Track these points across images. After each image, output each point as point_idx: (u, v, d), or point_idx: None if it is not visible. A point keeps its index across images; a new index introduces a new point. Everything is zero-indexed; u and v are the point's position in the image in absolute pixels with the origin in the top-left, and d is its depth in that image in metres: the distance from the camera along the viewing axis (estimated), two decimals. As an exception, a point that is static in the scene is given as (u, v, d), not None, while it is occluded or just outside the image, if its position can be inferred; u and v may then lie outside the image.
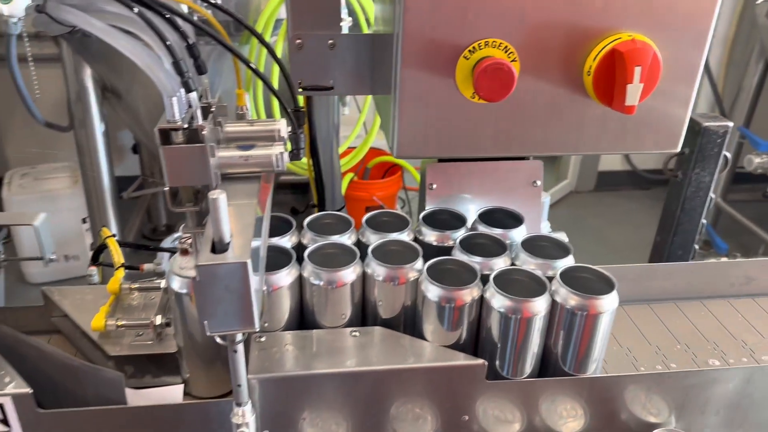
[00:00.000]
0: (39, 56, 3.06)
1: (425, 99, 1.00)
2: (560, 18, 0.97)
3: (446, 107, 1.00)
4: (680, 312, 1.36)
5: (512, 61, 0.97)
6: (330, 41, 1.22)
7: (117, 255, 1.24)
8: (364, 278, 1.07)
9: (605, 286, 1.03)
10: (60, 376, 1.01)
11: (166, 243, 2.77)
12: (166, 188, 0.93)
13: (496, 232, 1.17)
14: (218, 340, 0.88)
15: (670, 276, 1.37)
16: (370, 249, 1.06)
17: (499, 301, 0.97)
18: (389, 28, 1.05)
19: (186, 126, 0.87)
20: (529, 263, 1.07)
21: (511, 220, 1.22)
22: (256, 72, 0.96)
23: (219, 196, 0.77)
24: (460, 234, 1.15)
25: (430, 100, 1.00)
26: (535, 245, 1.12)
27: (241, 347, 0.88)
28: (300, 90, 1.27)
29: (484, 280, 1.01)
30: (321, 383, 1.01)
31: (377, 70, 1.22)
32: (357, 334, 1.05)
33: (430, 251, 1.11)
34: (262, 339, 1.04)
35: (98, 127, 2.73)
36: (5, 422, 0.94)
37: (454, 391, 1.02)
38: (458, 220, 1.20)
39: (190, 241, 1.01)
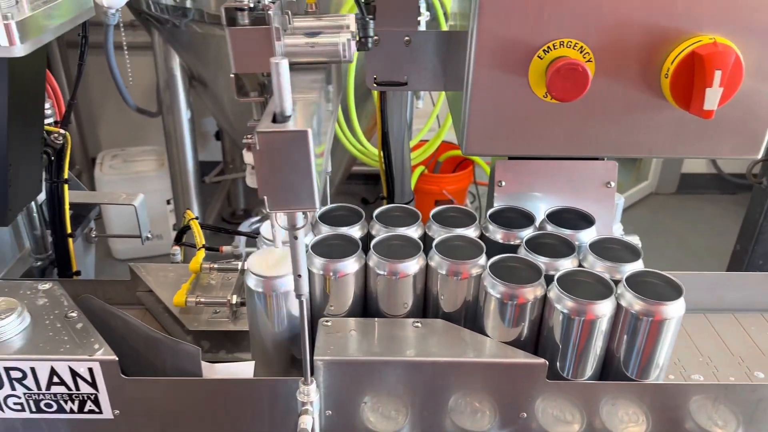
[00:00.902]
0: (131, 44, 3.24)
1: (497, 97, 1.01)
2: (639, 19, 0.95)
3: (518, 106, 1.01)
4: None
5: (587, 61, 0.96)
6: (406, 38, 1.24)
7: (199, 237, 1.32)
8: (427, 271, 1.09)
9: (673, 292, 1.01)
10: (142, 347, 1.09)
11: (244, 227, 2.89)
12: (232, 74, 0.89)
13: (564, 232, 1.16)
14: (278, 224, 0.86)
15: (745, 285, 1.32)
16: (434, 243, 1.08)
17: (562, 302, 0.97)
18: (464, 25, 1.07)
19: (252, 6, 0.84)
20: (597, 266, 1.07)
21: (582, 221, 1.21)
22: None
23: (281, 61, 0.73)
24: (527, 233, 1.15)
25: (502, 99, 1.01)
26: (604, 248, 1.11)
27: (301, 234, 0.86)
28: (374, 85, 1.31)
29: (549, 280, 1.02)
30: (382, 370, 1.04)
31: (451, 67, 1.24)
32: (419, 325, 1.08)
33: (495, 249, 1.12)
34: (329, 323, 1.09)
35: (185, 114, 2.88)
36: (93, 385, 1.03)
37: (514, 388, 1.03)
38: (526, 219, 1.20)
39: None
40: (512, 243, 1.14)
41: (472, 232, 1.15)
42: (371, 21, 0.93)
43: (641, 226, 4.05)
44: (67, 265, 1.45)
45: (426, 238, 1.16)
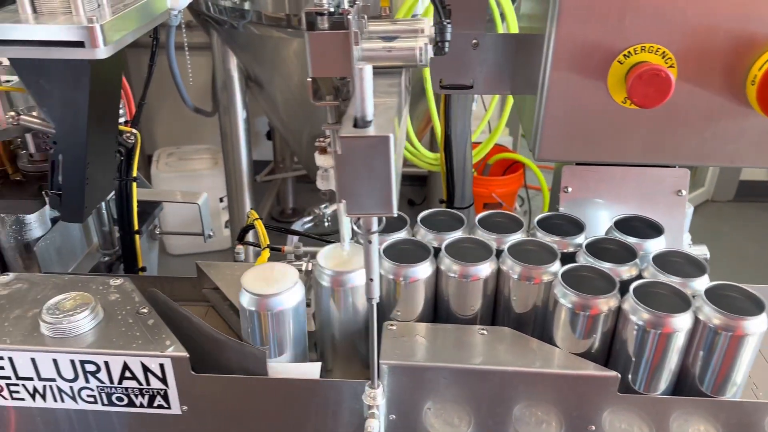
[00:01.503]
0: (189, 45, 3.31)
1: (573, 102, 0.99)
2: (724, 24, 0.92)
3: (595, 111, 0.99)
4: None
5: (669, 67, 0.93)
6: (474, 41, 1.23)
7: (263, 236, 1.34)
8: (498, 275, 1.08)
9: (753, 306, 0.97)
10: (207, 345, 1.11)
11: (296, 226, 2.92)
12: (309, 78, 0.88)
13: (630, 240, 1.13)
14: (354, 226, 0.88)
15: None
16: (506, 246, 1.06)
17: (638, 314, 0.94)
18: (539, 28, 1.05)
19: (332, 10, 0.84)
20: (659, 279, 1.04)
21: (650, 229, 1.18)
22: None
23: (365, 67, 0.74)
24: (580, 240, 1.12)
25: (578, 103, 0.99)
26: (667, 261, 1.08)
27: (375, 238, 0.86)
28: (440, 88, 1.30)
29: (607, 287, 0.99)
30: (447, 377, 1.03)
31: (519, 70, 1.22)
32: (485, 332, 1.07)
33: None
34: (393, 327, 1.09)
35: (241, 114, 2.92)
36: (164, 381, 1.06)
37: (582, 400, 1.01)
38: (576, 227, 1.18)
39: (328, 139, 0.98)
40: (563, 251, 1.11)
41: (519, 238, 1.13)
42: (449, 25, 0.92)
43: (697, 234, 3.93)
44: (134, 261, 1.49)
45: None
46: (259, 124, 4.21)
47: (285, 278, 1.06)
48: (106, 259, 1.52)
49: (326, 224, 2.73)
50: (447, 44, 0.91)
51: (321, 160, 0.99)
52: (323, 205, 2.76)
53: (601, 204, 1.28)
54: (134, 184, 1.42)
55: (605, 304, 0.96)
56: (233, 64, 2.88)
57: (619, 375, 0.98)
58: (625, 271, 1.05)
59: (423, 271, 1.05)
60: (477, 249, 1.10)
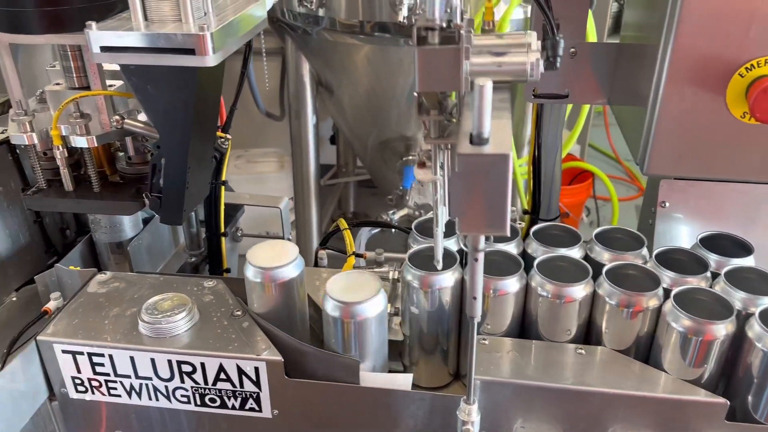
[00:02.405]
0: (257, 50, 3.36)
1: (688, 116, 0.95)
2: None
3: (711, 126, 0.94)
4: None
5: (796, 80, 0.88)
6: (572, 49, 1.20)
7: (350, 244, 1.34)
8: (594, 298, 1.04)
9: None
10: (293, 356, 1.11)
11: (363, 232, 2.92)
12: (415, 93, 0.89)
13: (712, 258, 1.08)
14: (461, 244, 0.86)
15: None
16: (604, 270, 1.03)
17: (763, 341, 0.89)
18: (648, 38, 1.01)
19: (444, 26, 0.84)
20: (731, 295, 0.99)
21: (738, 248, 1.12)
22: None
23: (486, 84, 0.74)
24: (637, 255, 1.08)
25: (694, 118, 0.95)
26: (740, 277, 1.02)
27: (482, 256, 0.85)
28: (532, 97, 1.27)
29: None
30: (540, 395, 1.01)
31: (620, 80, 1.18)
32: (582, 351, 1.04)
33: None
34: (486, 341, 1.07)
35: (311, 119, 2.95)
36: (257, 384, 1.07)
37: (686, 427, 0.97)
38: (636, 241, 1.13)
39: (427, 153, 0.95)
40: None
41: (575, 253, 1.11)
42: (561, 40, 0.90)
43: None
44: (219, 262, 1.52)
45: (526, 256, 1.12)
46: (323, 128, 4.25)
47: (369, 286, 1.05)
48: (193, 259, 1.55)
49: (393, 231, 2.72)
50: (559, 59, 0.88)
51: (420, 174, 0.97)
52: (391, 211, 2.75)
53: (699, 221, 1.23)
54: (222, 188, 1.45)
55: (722, 329, 0.91)
56: (305, 70, 2.92)
57: (728, 402, 0.93)
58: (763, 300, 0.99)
59: (512, 284, 1.03)
60: (572, 269, 1.07)
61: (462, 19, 0.86)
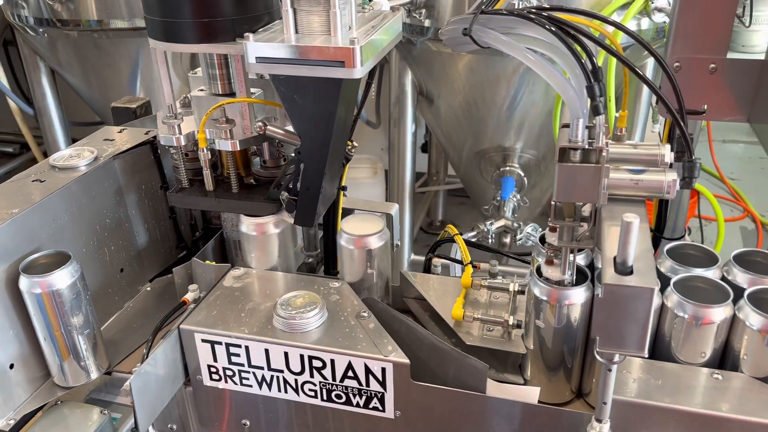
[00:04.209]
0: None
1: None
2: None
3: None
4: None
5: None
6: (712, 65, 1.17)
7: (465, 252, 1.36)
8: (733, 322, 1.01)
9: None
10: (424, 354, 1.14)
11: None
12: (553, 201, 0.99)
13: None
14: (597, 357, 0.91)
15: None
16: (746, 293, 1.00)
17: None
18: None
19: (586, 146, 0.93)
20: None
21: None
22: (658, 95, 0.97)
23: (634, 221, 0.80)
24: None
25: None
26: None
27: (615, 368, 0.90)
28: (666, 113, 1.25)
29: None
30: (674, 419, 0.98)
31: (764, 97, 1.15)
32: (719, 377, 1.01)
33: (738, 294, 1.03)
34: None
35: (410, 128, 3.00)
36: (383, 384, 1.10)
37: (834, 462, 0.92)
38: None
39: (556, 252, 1.05)
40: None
41: (713, 274, 1.08)
42: (698, 162, 0.93)
43: None
44: (334, 264, 1.57)
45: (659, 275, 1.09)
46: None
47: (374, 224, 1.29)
48: (310, 260, 1.61)
49: (490, 241, 2.72)
50: (695, 180, 0.92)
51: (548, 271, 1.03)
52: (488, 222, 2.75)
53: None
54: (342, 193, 1.50)
55: None
56: (408, 79, 2.97)
57: None
58: None
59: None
60: (709, 290, 1.05)
61: (603, 139, 0.93)
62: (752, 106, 1.17)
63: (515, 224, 2.70)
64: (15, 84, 3.77)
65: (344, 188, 1.51)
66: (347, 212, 1.70)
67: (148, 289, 1.49)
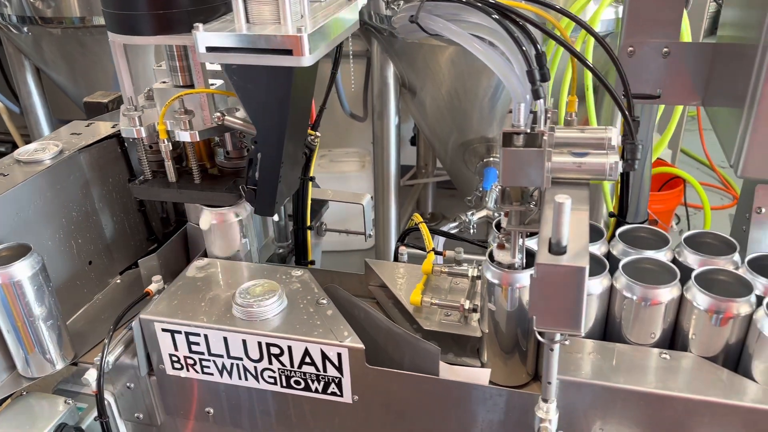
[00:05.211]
0: (347, 52, 3.45)
1: (788, 117, 0.91)
2: None
3: (814, 128, 0.91)
4: None
5: None
6: (665, 49, 1.18)
7: (428, 240, 1.37)
8: (681, 302, 1.02)
9: None
10: (381, 339, 1.15)
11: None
12: (498, 186, 0.99)
13: None
14: (538, 336, 0.92)
15: None
16: (693, 274, 1.01)
17: None
18: (748, 37, 0.98)
19: (528, 131, 0.93)
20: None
21: None
22: (601, 80, 0.98)
23: (565, 201, 0.81)
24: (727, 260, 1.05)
25: (795, 119, 0.91)
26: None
27: (557, 347, 0.91)
28: (623, 98, 1.25)
29: None
30: (622, 398, 1.00)
31: (717, 81, 1.15)
32: (667, 356, 1.02)
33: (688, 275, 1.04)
34: (567, 342, 1.06)
35: (393, 120, 3.00)
36: (339, 369, 1.11)
37: (777, 439, 0.93)
38: (728, 247, 1.09)
39: (507, 236, 1.06)
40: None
41: (663, 255, 1.09)
42: (640, 145, 0.93)
43: None
44: (304, 254, 1.58)
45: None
46: (404, 129, 4.30)
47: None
48: (281, 251, 1.63)
49: (471, 231, 2.72)
50: (637, 162, 0.92)
51: (500, 255, 1.03)
52: (470, 212, 2.75)
53: (799, 228, 1.17)
54: (310, 183, 1.51)
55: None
56: (390, 72, 2.97)
57: (827, 418, 0.89)
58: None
59: (596, 286, 1.03)
60: (659, 272, 1.05)
61: (546, 123, 0.94)
62: (706, 90, 1.18)
63: (496, 214, 2.70)
64: (3, 82, 3.78)
65: (312, 179, 1.52)
66: (317, 203, 1.71)
67: (118, 281, 1.51)
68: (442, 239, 2.37)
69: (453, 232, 2.82)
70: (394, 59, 2.98)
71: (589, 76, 2.11)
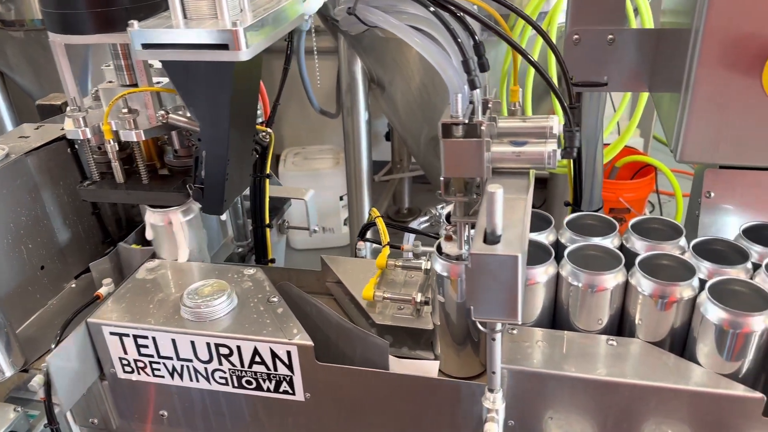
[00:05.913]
0: (309, 49, 3.43)
1: (722, 100, 0.91)
2: None
3: (747, 110, 0.91)
4: None
5: (840, 59, 0.84)
6: (610, 36, 1.18)
7: (384, 234, 1.36)
8: (626, 288, 1.02)
9: None
10: (333, 335, 1.14)
11: (414, 225, 2.93)
12: (442, 177, 0.99)
13: (755, 249, 1.03)
14: (479, 326, 0.92)
15: None
16: (637, 260, 1.01)
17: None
18: (684, 22, 0.98)
19: (467, 121, 0.93)
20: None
21: None
22: (537, 69, 0.97)
23: (497, 191, 0.80)
24: (672, 245, 1.05)
25: (728, 102, 0.91)
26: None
27: (499, 336, 0.91)
28: (571, 85, 1.25)
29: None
30: (570, 386, 0.99)
31: (660, 67, 1.15)
32: (614, 343, 1.02)
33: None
34: (514, 331, 1.06)
35: (363, 116, 2.99)
36: (290, 367, 1.10)
37: (721, 422, 0.93)
38: (675, 232, 1.10)
39: (455, 228, 1.06)
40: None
41: (609, 242, 1.09)
42: (578, 133, 0.93)
43: None
44: (264, 253, 1.57)
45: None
46: (379, 125, 4.29)
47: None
48: (240, 250, 1.61)
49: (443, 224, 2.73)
50: (575, 150, 0.92)
51: (447, 247, 1.03)
52: (440, 206, 2.75)
53: (747, 212, 1.18)
54: (267, 181, 1.50)
55: (762, 322, 0.88)
56: (358, 68, 2.96)
57: (766, 397, 0.89)
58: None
59: (541, 274, 1.03)
60: (604, 258, 1.05)
61: (485, 113, 0.94)
62: (651, 76, 1.18)
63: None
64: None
65: (269, 176, 1.50)
66: (278, 201, 1.70)
67: (73, 285, 1.48)
68: (412, 235, 2.36)
69: (424, 226, 2.81)
70: (361, 55, 2.96)
71: (553, 66, 2.11)
